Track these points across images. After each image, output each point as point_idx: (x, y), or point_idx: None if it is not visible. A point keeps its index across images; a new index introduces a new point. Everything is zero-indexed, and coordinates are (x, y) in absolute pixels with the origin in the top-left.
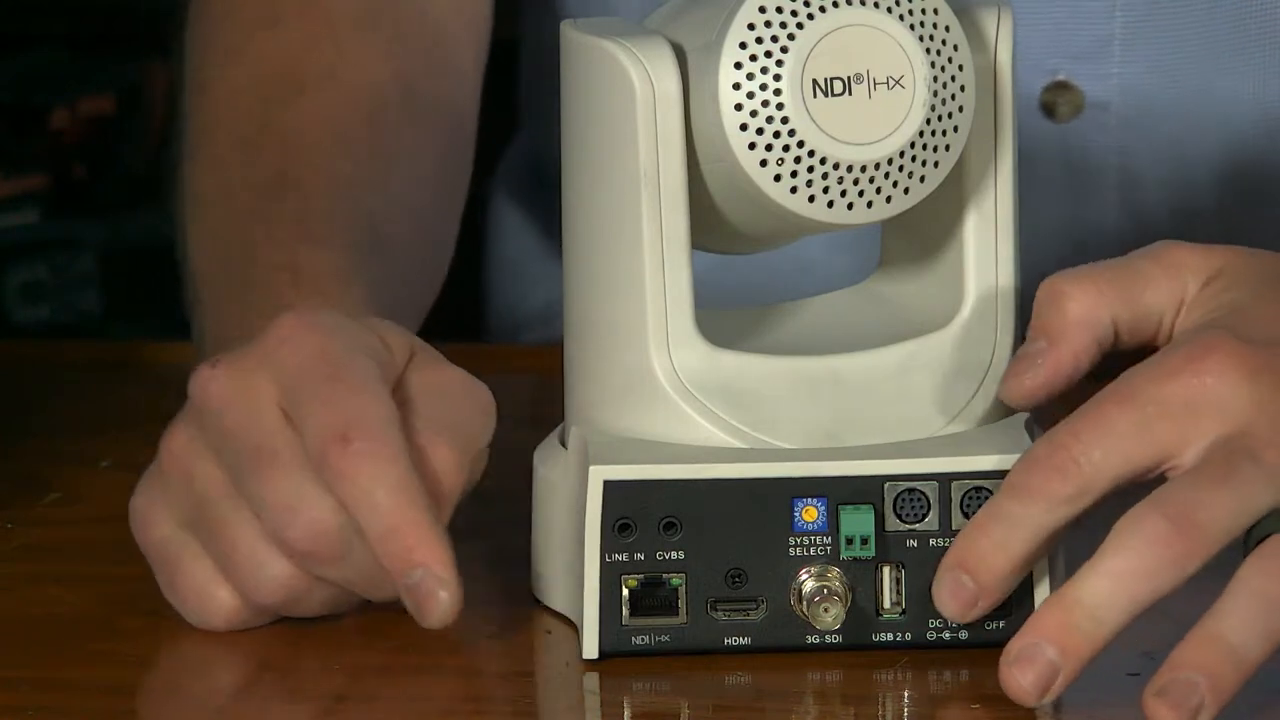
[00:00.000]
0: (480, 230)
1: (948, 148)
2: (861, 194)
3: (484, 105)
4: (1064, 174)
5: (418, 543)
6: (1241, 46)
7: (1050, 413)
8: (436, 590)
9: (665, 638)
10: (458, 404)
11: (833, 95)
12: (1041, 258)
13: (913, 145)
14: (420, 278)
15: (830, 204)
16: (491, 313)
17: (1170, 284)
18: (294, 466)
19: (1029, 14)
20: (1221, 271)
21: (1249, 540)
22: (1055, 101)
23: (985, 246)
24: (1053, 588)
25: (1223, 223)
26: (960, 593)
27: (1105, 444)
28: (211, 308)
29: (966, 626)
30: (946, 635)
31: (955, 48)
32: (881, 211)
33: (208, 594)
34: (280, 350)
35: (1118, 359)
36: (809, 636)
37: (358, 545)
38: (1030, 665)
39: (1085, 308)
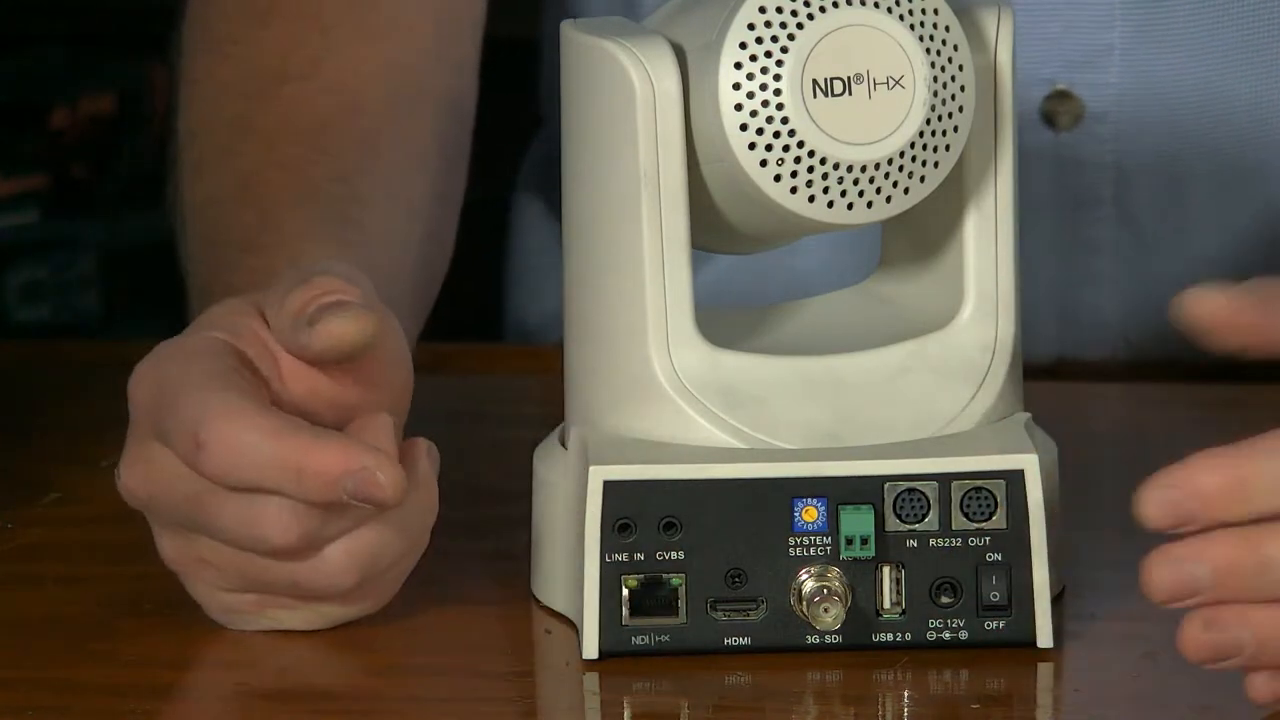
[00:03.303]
0: (504, 229)
1: (948, 148)
2: (861, 194)
3: (505, 106)
4: (1059, 184)
5: (325, 464)
6: (1244, 52)
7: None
8: (374, 479)
9: (665, 638)
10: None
11: (833, 95)
12: (1036, 267)
13: (913, 145)
14: (406, 265)
15: (830, 204)
16: (511, 310)
17: None
18: (220, 497)
19: (1031, 23)
20: None
21: None
22: (1056, 111)
23: (985, 246)
24: (1052, 588)
25: (1218, 232)
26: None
27: None
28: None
29: (967, 626)
30: (946, 635)
31: (955, 48)
32: (881, 211)
33: None
34: (135, 414)
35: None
36: (809, 636)
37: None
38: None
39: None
